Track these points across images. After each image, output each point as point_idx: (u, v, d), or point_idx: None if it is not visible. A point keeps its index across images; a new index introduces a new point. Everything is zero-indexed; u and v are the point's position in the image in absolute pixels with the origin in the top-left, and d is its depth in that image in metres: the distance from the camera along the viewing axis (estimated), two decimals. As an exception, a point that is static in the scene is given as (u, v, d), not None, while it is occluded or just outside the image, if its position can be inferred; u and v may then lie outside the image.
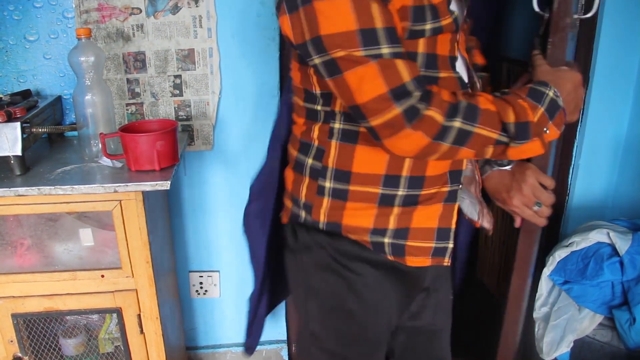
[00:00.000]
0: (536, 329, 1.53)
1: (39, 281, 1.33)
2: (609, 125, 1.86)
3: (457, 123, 0.85)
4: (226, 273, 1.91)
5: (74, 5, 1.56)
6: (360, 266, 1.03)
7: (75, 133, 1.57)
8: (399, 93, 0.82)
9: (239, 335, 2.00)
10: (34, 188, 1.22)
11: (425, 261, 1.06)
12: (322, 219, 1.01)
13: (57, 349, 1.50)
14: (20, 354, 1.39)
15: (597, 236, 1.48)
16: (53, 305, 1.35)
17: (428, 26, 0.89)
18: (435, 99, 0.84)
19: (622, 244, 1.43)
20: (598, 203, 1.95)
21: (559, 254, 1.53)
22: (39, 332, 1.44)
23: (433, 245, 1.05)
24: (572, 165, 1.93)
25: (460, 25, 0.97)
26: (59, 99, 1.61)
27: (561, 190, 1.97)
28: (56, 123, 1.56)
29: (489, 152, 0.91)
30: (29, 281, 1.33)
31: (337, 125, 0.97)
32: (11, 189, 1.21)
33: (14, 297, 1.34)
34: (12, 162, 1.27)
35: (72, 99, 1.43)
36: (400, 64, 0.82)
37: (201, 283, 1.88)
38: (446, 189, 1.03)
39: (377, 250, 1.02)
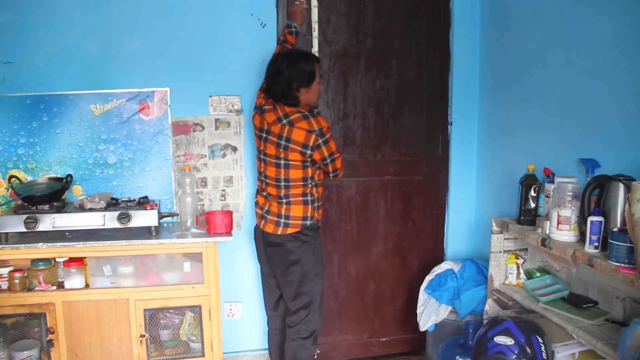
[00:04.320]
0: (418, 318, 2.84)
1: (160, 290, 2.59)
2: (463, 212, 3.28)
3: None
4: (246, 303, 3.15)
5: (171, 153, 2.98)
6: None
7: (168, 219, 2.93)
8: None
9: (252, 344, 3.19)
10: (167, 240, 2.54)
11: None
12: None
13: (158, 335, 2.73)
14: (144, 333, 2.61)
15: (446, 266, 2.86)
16: (166, 304, 2.61)
17: None
18: None
19: (456, 268, 2.80)
20: (461, 257, 3.32)
21: (429, 278, 2.88)
22: (152, 324, 2.67)
23: None
24: (444, 237, 3.33)
25: None
26: (159, 201, 2.96)
27: (440, 252, 3.35)
28: (159, 214, 2.91)
29: None
30: (154, 290, 2.59)
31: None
32: (155, 240, 2.53)
33: (145, 299, 2.59)
34: (152, 229, 2.60)
35: (178, 199, 2.81)
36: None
37: (230, 309, 3.12)
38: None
39: None
